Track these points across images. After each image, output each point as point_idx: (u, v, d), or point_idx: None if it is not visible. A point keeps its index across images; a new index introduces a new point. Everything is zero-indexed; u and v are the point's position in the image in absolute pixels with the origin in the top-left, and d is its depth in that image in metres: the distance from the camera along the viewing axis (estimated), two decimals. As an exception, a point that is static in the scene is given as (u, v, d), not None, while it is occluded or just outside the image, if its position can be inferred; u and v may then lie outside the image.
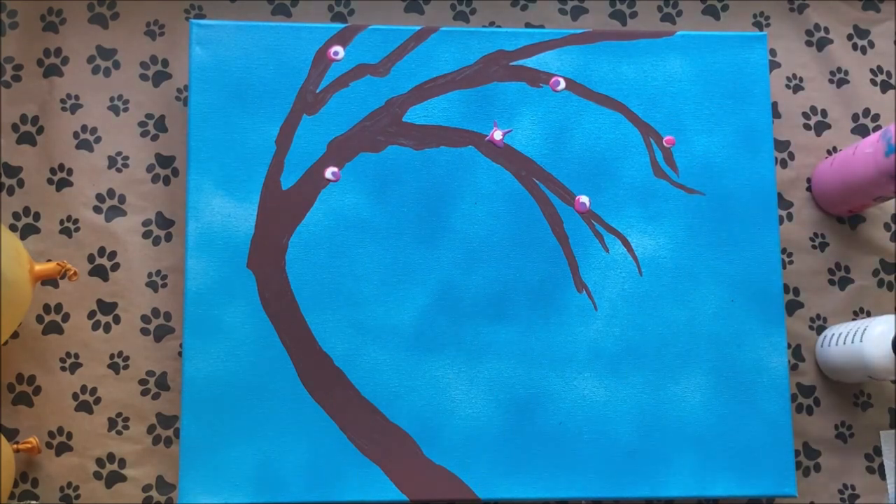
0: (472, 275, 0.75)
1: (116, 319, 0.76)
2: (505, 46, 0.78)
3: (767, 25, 0.85)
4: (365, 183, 0.75)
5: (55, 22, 0.80)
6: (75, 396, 0.75)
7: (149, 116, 0.79)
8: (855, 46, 0.85)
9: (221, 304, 0.73)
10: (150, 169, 0.78)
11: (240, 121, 0.75)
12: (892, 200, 0.81)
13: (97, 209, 0.77)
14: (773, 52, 0.84)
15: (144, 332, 0.76)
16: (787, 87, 0.84)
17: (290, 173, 0.75)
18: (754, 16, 0.85)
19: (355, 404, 0.73)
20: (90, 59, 0.80)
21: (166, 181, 0.78)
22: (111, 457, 0.74)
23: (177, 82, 0.80)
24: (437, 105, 0.77)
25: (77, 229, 0.77)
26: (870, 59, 0.85)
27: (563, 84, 0.78)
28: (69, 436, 0.74)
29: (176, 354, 0.76)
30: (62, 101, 0.79)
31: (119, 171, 0.78)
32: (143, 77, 0.80)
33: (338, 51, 0.77)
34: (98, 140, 0.78)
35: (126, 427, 0.75)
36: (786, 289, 0.80)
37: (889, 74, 0.85)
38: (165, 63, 0.80)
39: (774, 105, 0.83)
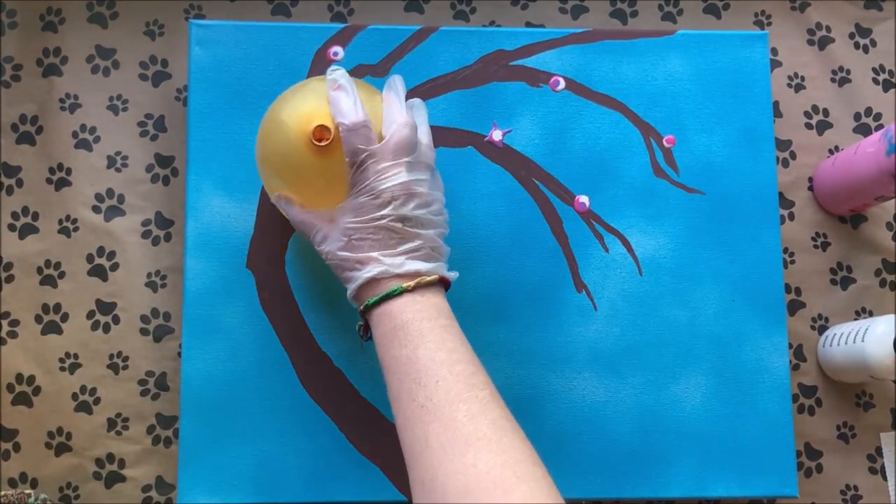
0: (471, 275, 0.75)
1: (116, 319, 0.76)
2: (505, 46, 0.78)
3: (769, 24, 0.84)
4: (364, 183, 0.75)
5: (54, 21, 0.80)
6: (75, 397, 0.75)
7: (148, 116, 0.79)
8: (857, 45, 0.85)
9: (221, 304, 0.73)
10: (149, 169, 0.78)
11: (239, 121, 0.75)
12: (894, 200, 0.81)
13: (96, 209, 0.77)
14: (774, 51, 0.84)
15: (144, 332, 0.76)
16: (789, 86, 0.83)
17: (290, 173, 0.75)
18: (755, 15, 0.85)
19: (355, 404, 0.73)
20: (89, 59, 0.80)
21: (165, 181, 0.78)
22: (111, 457, 0.74)
23: (176, 82, 0.80)
24: (436, 105, 0.76)
25: (76, 229, 0.77)
26: (871, 57, 0.84)
27: (562, 84, 0.77)
28: (69, 436, 0.74)
29: (175, 355, 0.76)
30: (61, 100, 0.79)
31: (118, 170, 0.78)
32: (143, 77, 0.80)
33: (337, 51, 0.77)
34: (97, 140, 0.78)
35: (125, 427, 0.75)
36: (787, 289, 0.80)
37: (891, 73, 0.84)
38: (165, 63, 0.80)
39: (776, 104, 0.83)
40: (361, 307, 0.62)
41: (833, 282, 0.81)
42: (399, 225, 0.61)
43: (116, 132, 0.79)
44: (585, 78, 0.78)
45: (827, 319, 0.80)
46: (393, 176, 0.61)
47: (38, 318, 0.76)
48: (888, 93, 0.84)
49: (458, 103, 0.77)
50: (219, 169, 0.75)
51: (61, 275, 0.76)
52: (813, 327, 0.80)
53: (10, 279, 0.76)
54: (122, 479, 0.74)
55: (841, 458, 0.78)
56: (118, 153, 0.78)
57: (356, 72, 0.76)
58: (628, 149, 0.77)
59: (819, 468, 0.78)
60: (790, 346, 0.79)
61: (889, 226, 0.82)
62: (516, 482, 0.52)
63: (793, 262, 0.81)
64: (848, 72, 0.84)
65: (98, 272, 0.77)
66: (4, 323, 0.75)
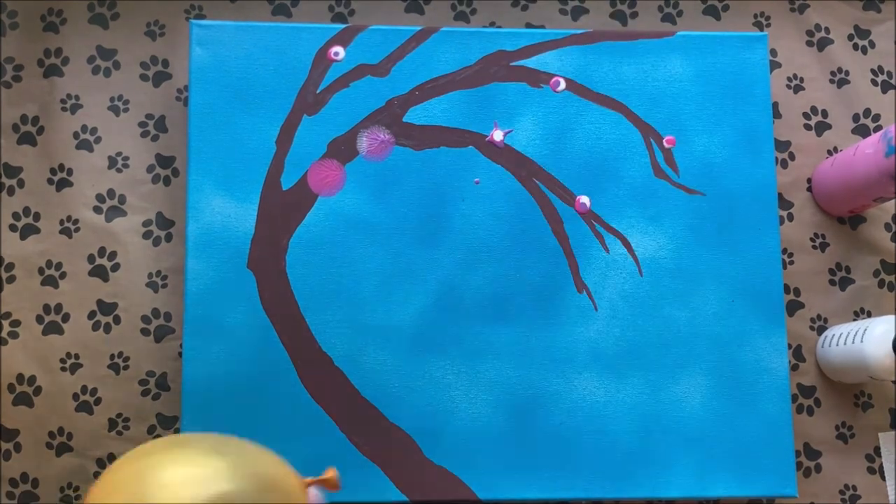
0: (472, 275, 0.75)
1: (116, 320, 0.76)
2: (505, 47, 0.78)
3: (768, 26, 0.85)
4: (365, 183, 0.75)
5: (55, 22, 0.80)
6: (75, 397, 0.75)
7: (149, 117, 0.79)
8: (856, 46, 0.85)
9: (221, 304, 0.73)
10: (150, 169, 0.78)
11: (240, 121, 0.75)
12: (893, 201, 0.81)
13: (97, 209, 0.77)
14: (773, 53, 0.84)
15: (145, 332, 0.76)
16: (788, 87, 0.84)
17: (291, 173, 0.75)
18: (755, 16, 0.85)
19: (355, 405, 0.73)
20: (90, 60, 0.80)
21: (166, 181, 0.78)
22: (111, 457, 0.74)
23: (177, 82, 0.80)
24: (437, 105, 0.77)
25: (77, 229, 0.77)
26: (870, 59, 0.85)
27: (563, 84, 0.78)
28: (69, 436, 0.74)
29: (176, 355, 0.76)
30: (62, 101, 0.79)
31: (119, 171, 0.78)
32: (144, 77, 0.80)
33: (338, 51, 0.77)
34: (98, 140, 0.78)
35: (126, 427, 0.75)
36: (786, 289, 0.80)
37: (890, 75, 0.85)
38: (165, 63, 0.80)
39: (775, 105, 0.83)
40: None
41: (832, 282, 0.81)
42: None
43: (117, 133, 0.79)
44: (586, 79, 0.78)
45: (826, 320, 0.80)
46: None
47: (40, 319, 0.76)
48: (887, 94, 0.84)
49: (459, 103, 0.77)
50: (220, 169, 0.75)
51: (62, 275, 0.76)
52: (812, 328, 0.80)
53: (11, 279, 0.76)
54: (123, 479, 0.74)
55: (840, 458, 0.78)
56: (119, 154, 0.78)
57: (357, 72, 0.76)
58: (629, 149, 0.77)
59: (818, 468, 0.78)
60: (789, 346, 0.79)
61: (888, 227, 0.82)
62: None
63: (792, 262, 0.81)
64: (847, 73, 0.84)
65: (99, 273, 0.77)
66: (6, 323, 0.75)
